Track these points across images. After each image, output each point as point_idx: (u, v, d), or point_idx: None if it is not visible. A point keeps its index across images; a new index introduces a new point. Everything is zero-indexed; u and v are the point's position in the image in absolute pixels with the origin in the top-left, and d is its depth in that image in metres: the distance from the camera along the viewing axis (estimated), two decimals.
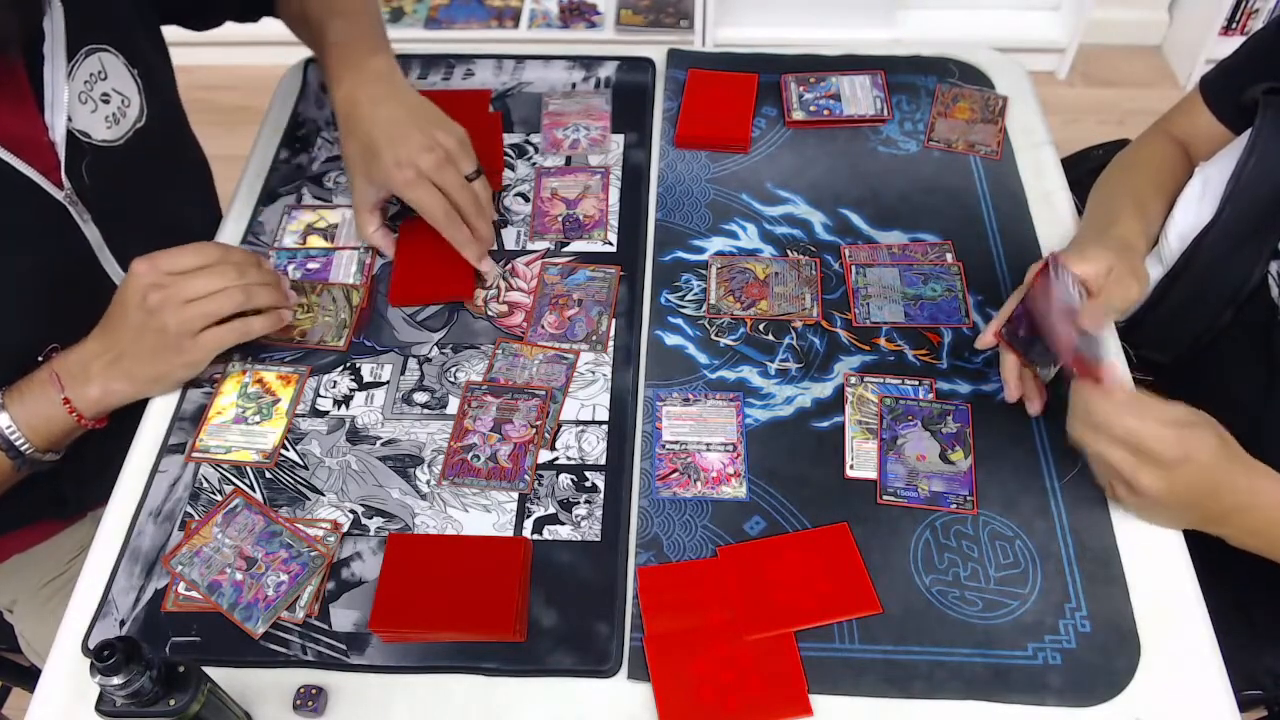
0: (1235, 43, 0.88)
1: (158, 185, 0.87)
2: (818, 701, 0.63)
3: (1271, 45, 0.82)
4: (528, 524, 0.71)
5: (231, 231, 0.91)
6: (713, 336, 0.82)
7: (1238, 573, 0.81)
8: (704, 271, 0.86)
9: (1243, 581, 0.83)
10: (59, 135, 0.74)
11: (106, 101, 0.78)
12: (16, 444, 0.73)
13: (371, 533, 0.71)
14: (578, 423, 0.77)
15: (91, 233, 0.78)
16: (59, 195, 0.74)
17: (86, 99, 0.76)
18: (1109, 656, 0.64)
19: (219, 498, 0.73)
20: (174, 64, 0.91)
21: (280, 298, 0.79)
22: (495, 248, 0.87)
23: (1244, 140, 0.78)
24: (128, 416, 0.79)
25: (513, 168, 0.95)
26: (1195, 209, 0.81)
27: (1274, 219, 0.75)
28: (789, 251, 0.87)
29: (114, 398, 0.75)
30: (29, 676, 1.01)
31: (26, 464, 0.74)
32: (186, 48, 0.93)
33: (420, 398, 0.79)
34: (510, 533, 0.71)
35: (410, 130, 0.81)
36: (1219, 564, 0.74)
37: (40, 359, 0.76)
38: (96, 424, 0.76)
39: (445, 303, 0.85)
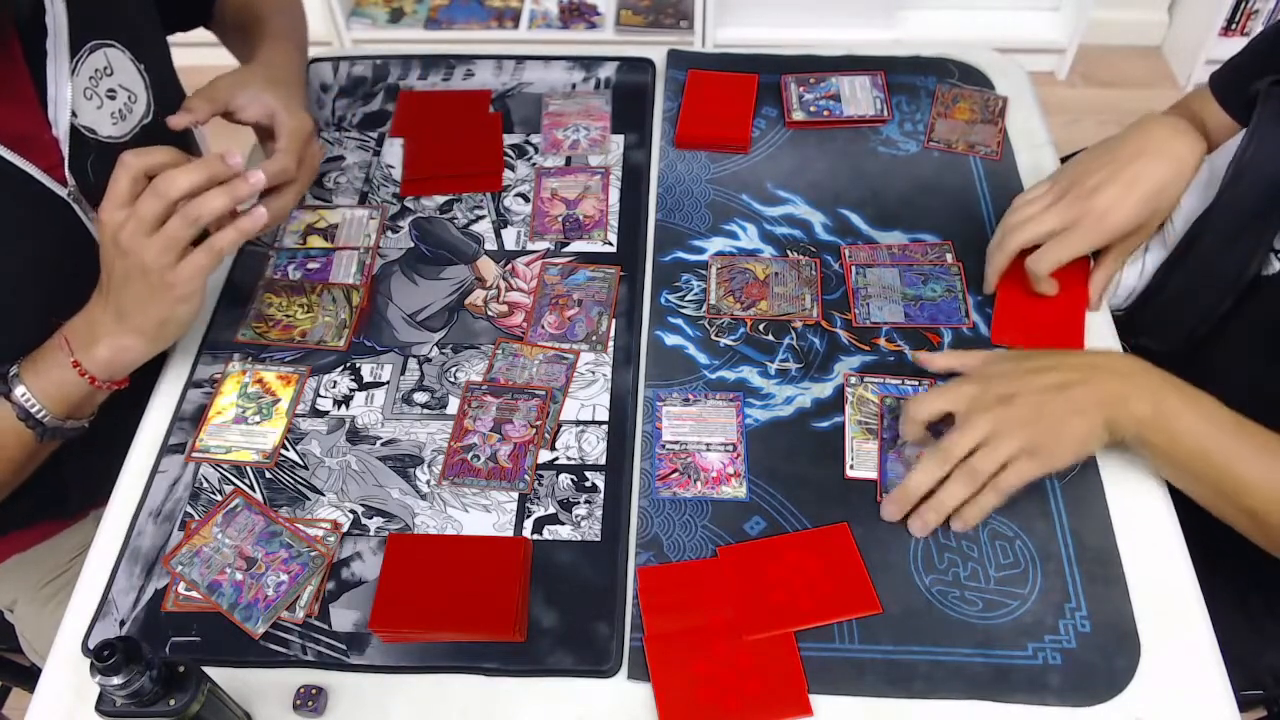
0: (1235, 43, 0.88)
1: None
2: (818, 701, 0.63)
3: (1275, 42, 0.82)
4: (528, 524, 0.72)
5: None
6: (713, 337, 0.82)
7: (1238, 572, 0.81)
8: (704, 272, 0.86)
9: (1243, 580, 0.83)
10: (62, 131, 0.74)
11: (113, 97, 0.78)
12: (35, 413, 0.71)
13: (371, 533, 0.71)
14: (578, 423, 0.77)
15: (97, 230, 0.78)
16: (62, 192, 0.74)
17: (92, 94, 0.76)
18: (1109, 656, 0.64)
19: (219, 498, 0.73)
20: (176, 65, 0.91)
21: (231, 194, 0.68)
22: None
23: None
24: (127, 416, 0.79)
25: (513, 168, 0.96)
26: (1201, 196, 0.81)
27: (1274, 206, 0.75)
28: (789, 252, 0.87)
29: (128, 354, 0.72)
30: (29, 676, 1.01)
31: (49, 433, 0.72)
32: (187, 48, 0.94)
33: (420, 398, 0.79)
34: (510, 533, 0.71)
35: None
36: (1219, 563, 0.74)
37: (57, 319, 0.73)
38: (116, 385, 0.74)
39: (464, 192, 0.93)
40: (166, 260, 0.67)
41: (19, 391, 0.71)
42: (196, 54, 1.17)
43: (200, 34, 0.98)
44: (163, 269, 0.67)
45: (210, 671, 0.58)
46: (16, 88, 0.72)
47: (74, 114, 0.74)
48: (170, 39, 0.91)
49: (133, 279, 0.68)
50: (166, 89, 0.85)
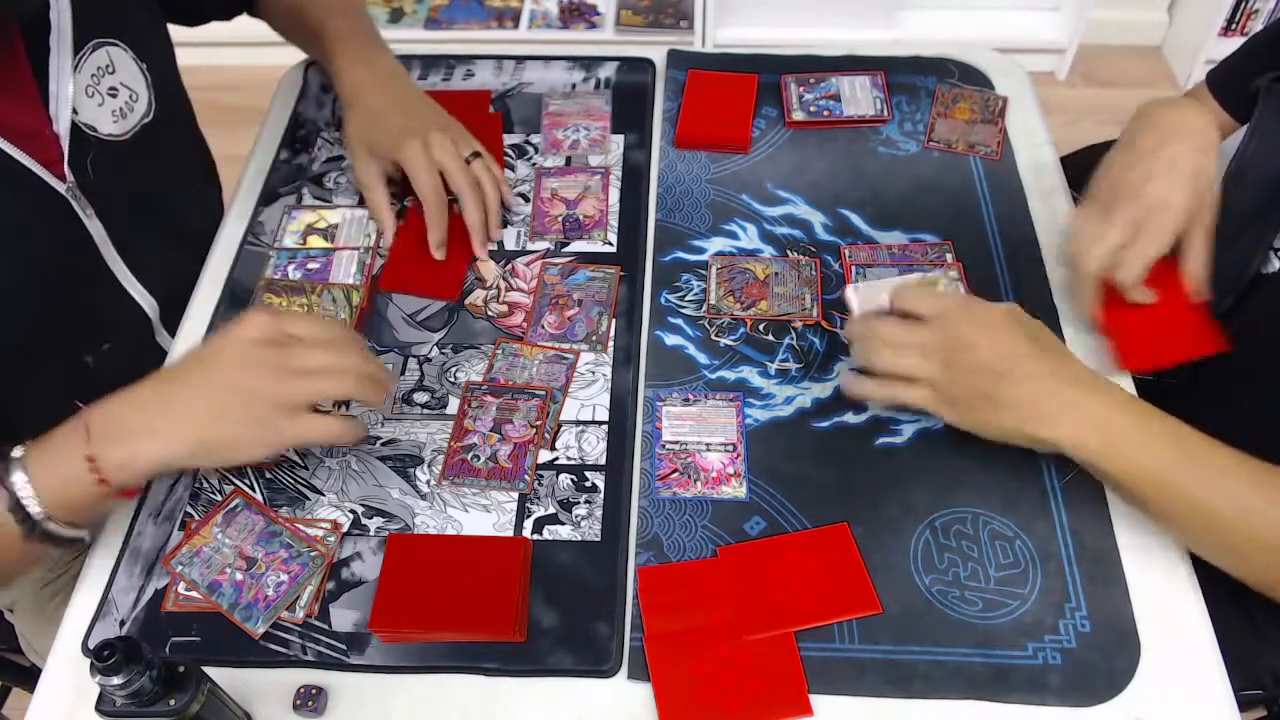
0: (1235, 43, 0.88)
1: (164, 182, 0.87)
2: (818, 701, 0.63)
3: (1272, 40, 0.82)
4: (528, 524, 0.72)
5: (232, 231, 0.91)
6: (713, 337, 0.82)
7: None
8: (704, 272, 0.86)
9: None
10: (63, 127, 0.74)
11: (114, 95, 0.78)
12: (26, 505, 0.60)
13: (371, 533, 0.71)
14: (578, 423, 0.77)
15: (95, 227, 0.78)
16: (61, 188, 0.74)
17: (94, 92, 0.76)
18: (1109, 656, 0.64)
19: (219, 498, 0.73)
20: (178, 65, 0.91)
21: (380, 394, 0.70)
22: (497, 240, 0.89)
23: None
24: None
25: (513, 168, 0.96)
26: None
27: (1274, 204, 0.75)
28: (789, 252, 0.87)
29: (142, 460, 0.62)
30: (29, 676, 1.01)
31: (38, 532, 0.61)
32: (187, 48, 0.93)
33: (420, 398, 0.79)
34: (510, 533, 0.71)
35: (420, 108, 0.87)
36: None
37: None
38: (128, 494, 0.64)
39: (430, 298, 0.85)
40: (294, 403, 0.64)
41: (16, 479, 0.61)
42: (199, 54, 1.17)
43: (204, 34, 0.98)
44: (279, 409, 0.64)
45: (210, 671, 0.58)
46: (18, 83, 0.72)
47: (75, 111, 0.74)
48: (173, 41, 0.91)
49: (235, 394, 0.63)
50: (168, 89, 0.85)
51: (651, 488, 0.73)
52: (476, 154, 0.87)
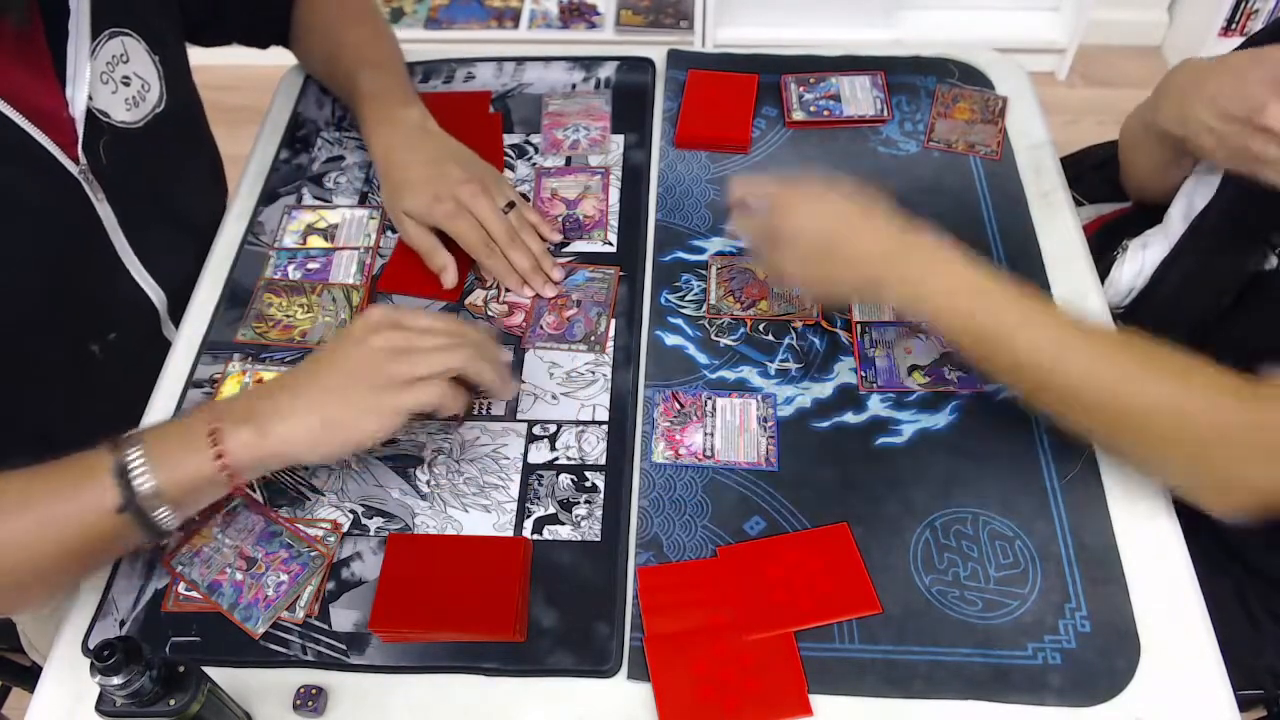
0: (1235, 43, 0.88)
1: (174, 173, 0.88)
2: (818, 701, 0.63)
3: (1272, 41, 0.82)
4: (528, 524, 0.72)
5: (232, 231, 0.91)
6: (712, 337, 0.82)
7: (1238, 571, 0.81)
8: (704, 272, 0.86)
9: (1243, 581, 0.83)
10: (78, 110, 0.75)
11: (127, 84, 0.79)
12: (134, 477, 0.60)
13: (371, 533, 0.71)
14: (578, 423, 0.77)
15: (105, 212, 0.79)
16: (74, 170, 0.75)
17: (108, 79, 0.77)
18: (1109, 656, 0.64)
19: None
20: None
21: (501, 380, 0.71)
22: (557, 278, 0.86)
23: None
24: (126, 418, 0.79)
25: (513, 168, 0.96)
26: (1202, 193, 0.81)
27: (1272, 202, 0.75)
28: None
29: (270, 442, 0.63)
30: (29, 676, 1.01)
31: (134, 512, 0.60)
32: (188, 48, 0.94)
33: None
34: (510, 533, 0.71)
35: (447, 167, 0.84)
36: (1219, 562, 0.75)
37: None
38: (237, 486, 0.64)
39: (430, 299, 0.85)
40: (406, 376, 0.66)
41: (131, 453, 0.61)
42: (200, 53, 1.18)
43: None
44: (393, 381, 0.65)
45: (210, 671, 0.58)
46: (38, 66, 0.73)
47: (89, 97, 0.75)
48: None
49: (356, 371, 0.65)
50: (180, 83, 0.86)
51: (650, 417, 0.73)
52: (512, 204, 0.85)
